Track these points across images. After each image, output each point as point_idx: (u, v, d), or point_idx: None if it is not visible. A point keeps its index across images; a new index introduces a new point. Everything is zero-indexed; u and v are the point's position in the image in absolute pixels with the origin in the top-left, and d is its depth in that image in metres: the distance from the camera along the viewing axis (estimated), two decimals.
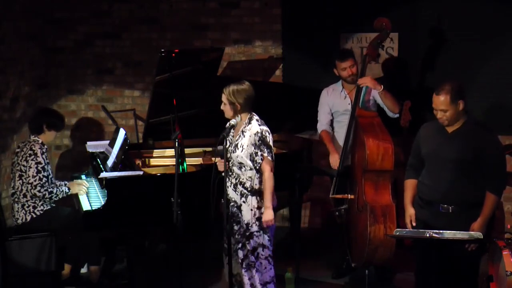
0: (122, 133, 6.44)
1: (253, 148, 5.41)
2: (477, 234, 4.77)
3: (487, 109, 7.23)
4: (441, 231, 4.75)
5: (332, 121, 6.67)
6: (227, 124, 5.52)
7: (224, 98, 5.48)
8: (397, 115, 6.45)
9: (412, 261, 5.48)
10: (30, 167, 6.31)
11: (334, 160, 6.44)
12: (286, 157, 6.72)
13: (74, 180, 6.71)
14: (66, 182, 6.58)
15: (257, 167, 5.43)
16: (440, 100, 5.04)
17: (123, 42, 8.19)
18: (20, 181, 6.36)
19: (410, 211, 5.28)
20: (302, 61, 7.76)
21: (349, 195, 6.25)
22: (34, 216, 6.35)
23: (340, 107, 6.57)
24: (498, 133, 6.54)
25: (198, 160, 6.68)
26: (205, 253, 6.99)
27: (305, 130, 7.11)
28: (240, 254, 5.49)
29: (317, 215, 8.00)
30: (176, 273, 5.85)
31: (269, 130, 5.47)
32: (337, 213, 6.35)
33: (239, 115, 5.47)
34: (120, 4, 8.12)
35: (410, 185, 5.34)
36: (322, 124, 6.66)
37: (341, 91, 6.58)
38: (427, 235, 4.76)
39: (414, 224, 5.23)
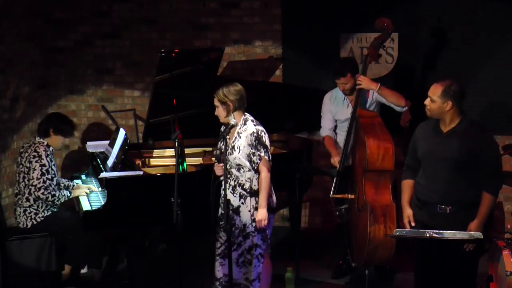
0: (122, 133, 6.44)
1: (250, 148, 5.42)
2: (477, 234, 4.76)
3: (487, 109, 7.24)
4: (441, 231, 4.75)
5: (335, 127, 6.67)
6: (227, 125, 5.52)
7: (215, 101, 5.49)
8: (405, 108, 6.43)
9: (412, 261, 5.47)
10: (34, 169, 6.29)
11: (335, 161, 6.44)
12: (286, 157, 6.72)
13: (79, 184, 6.70)
14: (74, 185, 6.57)
15: (255, 167, 5.43)
16: (433, 88, 5.06)
17: (123, 42, 8.19)
18: (23, 183, 6.34)
19: (408, 212, 5.27)
20: (302, 61, 7.76)
21: (350, 195, 6.25)
22: (35, 222, 6.34)
23: (342, 116, 6.55)
24: (498, 133, 6.59)
25: (198, 160, 6.68)
26: (204, 253, 6.98)
27: (305, 130, 7.11)
28: (235, 254, 5.49)
29: (317, 215, 8.00)
30: (176, 273, 5.85)
31: (264, 130, 5.47)
32: (337, 213, 6.35)
33: (232, 114, 5.46)
34: (120, 4, 8.12)
35: (407, 185, 5.33)
36: (325, 130, 6.65)
37: (344, 99, 6.56)
38: (427, 235, 4.76)
39: (413, 224, 5.22)
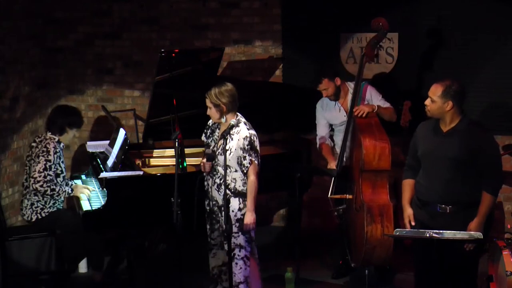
0: (122, 133, 6.44)
1: (241, 152, 5.43)
2: (477, 234, 4.77)
3: (487, 109, 7.23)
4: (441, 231, 4.75)
5: (332, 130, 6.67)
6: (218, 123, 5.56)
7: (208, 102, 5.51)
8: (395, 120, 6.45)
9: (411, 261, 5.48)
10: (39, 162, 6.34)
11: (332, 167, 6.44)
12: (286, 157, 6.72)
13: (78, 183, 6.70)
14: (73, 183, 6.58)
15: (245, 171, 5.46)
16: (433, 88, 5.07)
17: (123, 42, 8.18)
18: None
19: (408, 211, 5.28)
20: (302, 61, 7.75)
21: (348, 195, 6.25)
22: (39, 217, 6.36)
23: (336, 121, 6.56)
24: (498, 133, 6.59)
25: (198, 160, 6.67)
26: (204, 253, 6.98)
27: (305, 130, 7.11)
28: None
29: (317, 215, 7.99)
30: (176, 273, 5.85)
31: (256, 134, 5.50)
32: (336, 213, 6.35)
33: (224, 116, 5.47)
34: (120, 4, 8.12)
35: (407, 185, 5.34)
36: (321, 137, 6.65)
37: (335, 104, 6.56)
38: (427, 235, 4.76)
39: (413, 223, 5.22)
